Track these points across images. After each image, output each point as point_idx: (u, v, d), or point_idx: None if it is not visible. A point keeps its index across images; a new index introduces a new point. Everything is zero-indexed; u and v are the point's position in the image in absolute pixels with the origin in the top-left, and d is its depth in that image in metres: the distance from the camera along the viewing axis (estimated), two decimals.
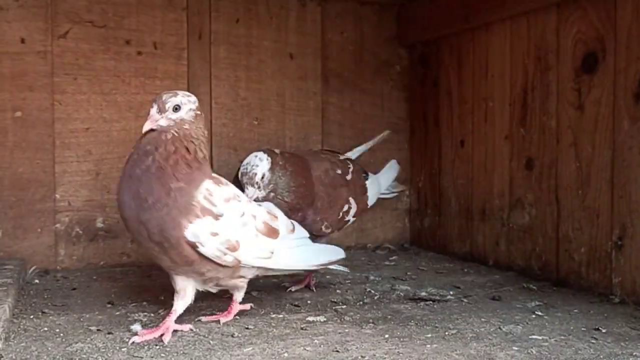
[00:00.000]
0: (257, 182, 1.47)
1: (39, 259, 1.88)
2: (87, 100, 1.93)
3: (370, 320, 1.35)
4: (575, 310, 1.42)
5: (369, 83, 2.27)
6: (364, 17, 2.26)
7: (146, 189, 1.21)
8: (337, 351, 1.14)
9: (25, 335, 1.23)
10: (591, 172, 1.58)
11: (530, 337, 1.23)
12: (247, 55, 2.11)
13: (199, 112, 1.31)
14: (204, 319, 1.35)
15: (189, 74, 2.04)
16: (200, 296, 1.47)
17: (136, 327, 1.27)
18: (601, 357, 1.11)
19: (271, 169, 1.49)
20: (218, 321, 1.33)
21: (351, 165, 1.71)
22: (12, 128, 1.86)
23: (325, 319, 1.36)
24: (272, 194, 1.50)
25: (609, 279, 1.54)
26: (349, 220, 1.67)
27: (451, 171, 2.12)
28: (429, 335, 1.24)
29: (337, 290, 1.63)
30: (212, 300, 1.51)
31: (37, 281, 1.74)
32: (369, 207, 1.75)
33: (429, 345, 1.18)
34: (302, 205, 1.55)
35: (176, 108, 1.27)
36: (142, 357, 1.11)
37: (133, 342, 1.19)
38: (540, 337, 1.22)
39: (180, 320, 1.31)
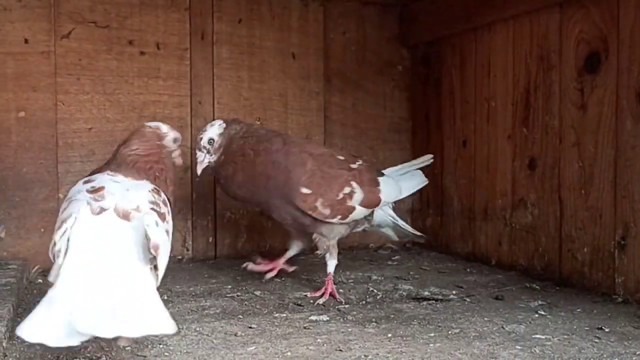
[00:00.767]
0: (204, 146, 1.59)
1: (42, 259, 1.87)
2: (90, 100, 1.94)
3: (373, 320, 1.35)
4: (579, 310, 1.42)
5: (371, 83, 2.27)
6: (366, 17, 2.26)
7: None
8: (340, 350, 1.15)
9: None
10: (594, 172, 1.58)
11: (533, 336, 1.23)
12: (249, 55, 2.11)
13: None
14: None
15: (191, 74, 2.04)
16: (204, 295, 1.48)
17: None
18: (604, 356, 1.11)
19: (222, 134, 1.60)
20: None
21: (361, 161, 1.71)
22: (16, 128, 1.86)
23: (328, 318, 1.36)
24: (222, 157, 1.59)
25: (612, 278, 1.54)
26: (354, 207, 1.60)
27: (453, 171, 2.12)
28: (432, 335, 1.24)
29: (340, 290, 1.63)
30: (215, 300, 1.51)
31: (40, 281, 1.74)
32: (382, 202, 1.68)
33: (432, 345, 1.18)
34: (260, 174, 1.57)
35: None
36: (145, 356, 1.11)
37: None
38: (543, 337, 1.22)
39: (183, 319, 1.31)
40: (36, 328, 0.96)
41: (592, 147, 1.58)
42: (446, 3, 2.07)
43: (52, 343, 0.95)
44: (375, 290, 1.62)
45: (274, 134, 1.65)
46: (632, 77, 1.48)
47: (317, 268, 1.78)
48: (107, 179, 1.21)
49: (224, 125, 1.62)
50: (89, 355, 1.12)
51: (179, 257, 2.02)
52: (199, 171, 1.61)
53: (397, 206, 2.31)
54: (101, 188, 1.15)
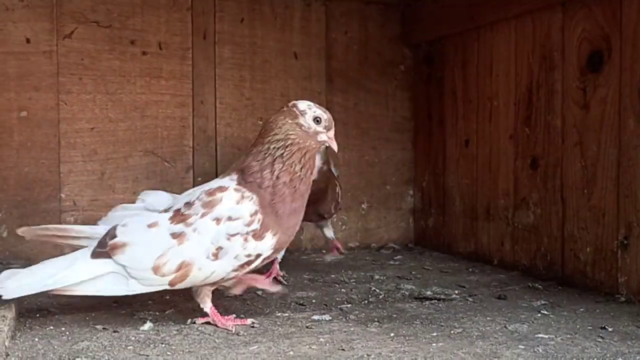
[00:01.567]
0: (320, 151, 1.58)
1: (45, 258, 1.86)
2: (93, 100, 1.94)
3: (376, 319, 1.35)
4: (581, 310, 1.42)
5: (373, 82, 2.27)
6: (368, 17, 2.26)
7: None
8: (343, 349, 1.14)
9: (31, 334, 1.24)
10: (597, 171, 1.58)
11: (536, 335, 1.22)
12: (251, 55, 2.11)
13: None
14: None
15: (193, 74, 2.04)
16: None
17: (146, 326, 1.28)
18: (608, 355, 1.11)
19: None
20: (242, 315, 1.36)
21: None
22: (18, 128, 1.87)
23: (330, 318, 1.36)
24: (324, 167, 1.66)
25: (615, 278, 1.53)
26: (339, 202, 1.81)
27: (456, 171, 2.12)
28: (435, 334, 1.24)
29: (342, 290, 1.63)
30: (217, 299, 1.51)
31: None
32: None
33: (434, 344, 1.17)
34: (328, 182, 1.71)
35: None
36: (148, 355, 1.11)
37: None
38: (546, 336, 1.22)
39: (185, 318, 1.31)
40: None
41: (595, 147, 1.58)
42: (448, 2, 2.07)
43: None
44: (377, 290, 1.61)
45: None
46: (635, 76, 1.47)
47: (319, 267, 1.78)
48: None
49: None
50: (91, 354, 1.11)
51: None
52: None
53: (400, 206, 2.32)
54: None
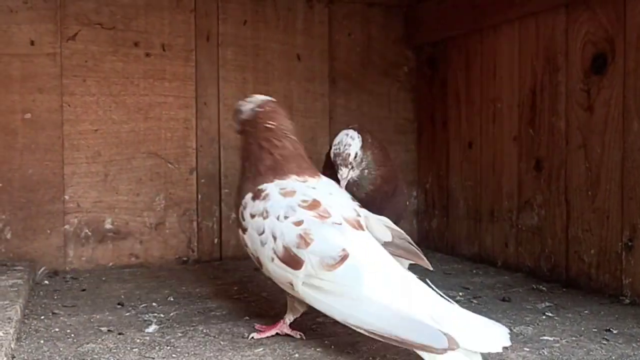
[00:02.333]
0: (350, 162, 1.43)
1: (49, 260, 1.88)
2: (96, 102, 1.94)
3: None
4: (586, 312, 1.42)
5: (376, 84, 2.27)
6: (371, 19, 2.26)
7: None
8: (348, 352, 1.14)
9: (36, 336, 1.24)
10: (601, 173, 1.58)
11: (541, 337, 1.22)
12: (254, 57, 2.11)
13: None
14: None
15: (197, 76, 2.04)
16: (210, 296, 1.48)
17: (151, 328, 1.28)
18: (613, 358, 1.11)
19: (362, 147, 1.47)
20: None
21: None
22: (22, 130, 1.87)
23: (335, 320, 1.35)
24: (365, 171, 1.47)
25: (619, 280, 1.53)
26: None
27: (459, 172, 2.12)
28: None
29: None
30: (222, 301, 1.51)
31: (46, 282, 1.75)
32: None
33: None
34: (386, 185, 1.54)
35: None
36: (153, 358, 1.11)
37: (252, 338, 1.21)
38: (551, 338, 1.22)
39: (189, 320, 1.31)
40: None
41: (599, 149, 1.58)
42: (452, 4, 2.07)
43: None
44: None
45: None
46: (639, 79, 1.47)
47: None
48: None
49: (361, 137, 1.48)
50: (96, 357, 1.11)
51: (184, 259, 2.02)
52: (342, 187, 1.44)
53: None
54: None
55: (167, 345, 1.18)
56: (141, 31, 1.98)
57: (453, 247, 2.15)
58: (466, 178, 2.08)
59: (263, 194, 1.21)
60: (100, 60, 1.94)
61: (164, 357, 1.12)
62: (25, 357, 1.11)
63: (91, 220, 1.94)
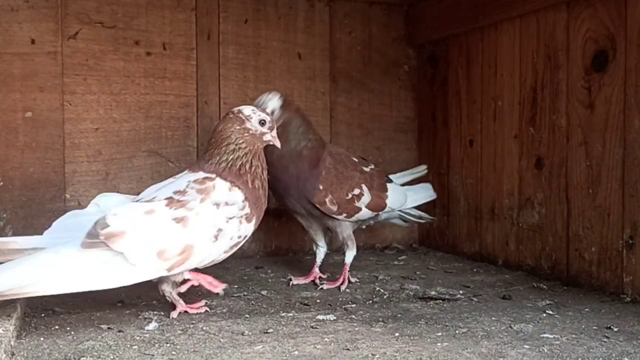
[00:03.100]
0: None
1: None
2: (97, 101, 1.94)
3: (380, 319, 1.35)
4: (587, 310, 1.42)
5: (377, 83, 2.26)
6: (372, 17, 2.26)
7: None
8: (348, 349, 1.14)
9: (36, 333, 1.24)
10: (602, 171, 1.58)
11: (541, 335, 1.22)
12: (255, 55, 2.11)
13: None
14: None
15: (197, 75, 2.04)
16: (210, 294, 1.48)
17: (151, 326, 1.28)
18: (613, 355, 1.11)
19: (282, 107, 1.58)
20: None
21: (373, 166, 1.79)
22: (23, 128, 1.87)
23: (335, 318, 1.36)
24: (280, 129, 1.54)
25: (620, 278, 1.53)
26: (360, 208, 1.67)
27: (460, 171, 2.11)
28: (440, 334, 1.24)
29: (347, 289, 1.63)
30: (221, 299, 1.51)
31: None
32: (387, 207, 1.74)
33: (439, 344, 1.17)
34: (305, 161, 1.60)
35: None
36: (153, 355, 1.11)
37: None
38: (551, 336, 1.22)
39: (190, 318, 1.32)
40: None
41: (600, 146, 1.58)
42: (453, 2, 2.07)
43: None
44: (382, 290, 1.61)
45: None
46: None
47: (323, 268, 1.78)
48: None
49: (283, 99, 1.61)
50: (96, 354, 1.12)
51: None
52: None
53: None
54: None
55: (167, 343, 1.18)
56: (142, 30, 1.98)
57: (454, 246, 2.15)
58: (467, 176, 2.08)
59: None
60: (101, 59, 1.94)
61: (163, 354, 1.12)
62: (26, 354, 1.11)
63: None
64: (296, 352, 1.13)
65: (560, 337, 1.21)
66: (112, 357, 1.10)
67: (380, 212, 1.75)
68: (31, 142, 1.88)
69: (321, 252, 1.75)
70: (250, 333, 1.25)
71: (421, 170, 2.00)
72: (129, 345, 1.16)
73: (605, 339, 1.20)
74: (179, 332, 1.25)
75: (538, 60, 1.77)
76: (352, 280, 1.69)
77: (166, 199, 1.30)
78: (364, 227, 1.83)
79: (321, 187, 1.61)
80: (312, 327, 1.29)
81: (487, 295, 1.56)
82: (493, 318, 1.35)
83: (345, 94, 2.23)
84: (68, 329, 1.28)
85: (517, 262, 1.86)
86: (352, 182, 1.66)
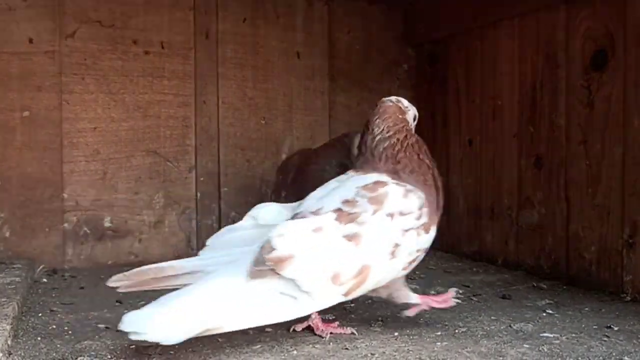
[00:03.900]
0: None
1: (47, 258, 1.88)
2: (95, 100, 1.94)
3: (379, 318, 1.34)
4: (586, 309, 1.41)
5: (376, 82, 2.26)
6: (371, 16, 2.25)
7: None
8: (347, 349, 1.14)
9: (34, 333, 1.23)
10: (601, 170, 1.57)
11: (541, 334, 1.22)
12: (254, 54, 2.11)
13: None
14: None
15: (196, 74, 2.04)
16: None
17: None
18: (614, 354, 1.10)
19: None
20: None
21: None
22: (21, 128, 1.86)
23: (333, 317, 1.35)
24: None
25: (620, 277, 1.52)
26: None
27: (459, 170, 2.11)
28: (439, 333, 1.23)
29: None
30: None
31: (45, 280, 1.74)
32: None
33: (439, 343, 1.17)
34: None
35: None
36: (150, 355, 1.11)
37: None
38: (551, 335, 1.21)
39: None
40: None
41: (599, 145, 1.57)
42: (452, 2, 2.07)
43: None
44: None
45: None
46: None
47: None
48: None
49: None
50: (93, 353, 1.11)
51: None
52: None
53: None
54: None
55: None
56: (140, 29, 1.97)
57: (453, 245, 2.14)
58: (466, 175, 2.08)
59: None
60: (99, 58, 1.93)
61: (161, 354, 1.11)
62: (23, 354, 1.11)
63: (90, 218, 1.93)
64: (295, 352, 1.12)
65: (560, 337, 1.20)
66: (109, 356, 1.10)
67: None
68: (29, 141, 1.87)
69: None
70: (249, 332, 1.24)
71: None
72: (126, 345, 1.16)
73: (605, 338, 1.19)
74: None
75: (537, 59, 1.76)
76: None
77: (334, 211, 1.13)
78: None
79: None
80: (311, 327, 1.28)
81: (486, 295, 1.56)
82: (492, 317, 1.35)
83: (344, 93, 2.22)
84: (66, 328, 1.27)
85: (516, 262, 1.86)
86: None
